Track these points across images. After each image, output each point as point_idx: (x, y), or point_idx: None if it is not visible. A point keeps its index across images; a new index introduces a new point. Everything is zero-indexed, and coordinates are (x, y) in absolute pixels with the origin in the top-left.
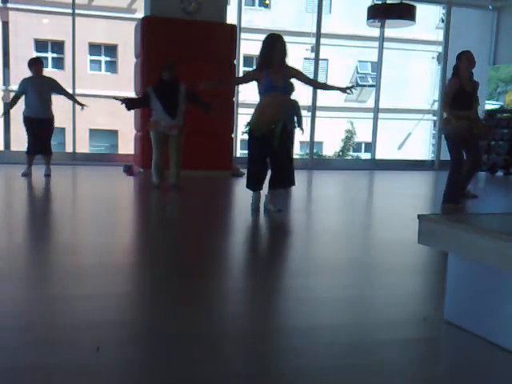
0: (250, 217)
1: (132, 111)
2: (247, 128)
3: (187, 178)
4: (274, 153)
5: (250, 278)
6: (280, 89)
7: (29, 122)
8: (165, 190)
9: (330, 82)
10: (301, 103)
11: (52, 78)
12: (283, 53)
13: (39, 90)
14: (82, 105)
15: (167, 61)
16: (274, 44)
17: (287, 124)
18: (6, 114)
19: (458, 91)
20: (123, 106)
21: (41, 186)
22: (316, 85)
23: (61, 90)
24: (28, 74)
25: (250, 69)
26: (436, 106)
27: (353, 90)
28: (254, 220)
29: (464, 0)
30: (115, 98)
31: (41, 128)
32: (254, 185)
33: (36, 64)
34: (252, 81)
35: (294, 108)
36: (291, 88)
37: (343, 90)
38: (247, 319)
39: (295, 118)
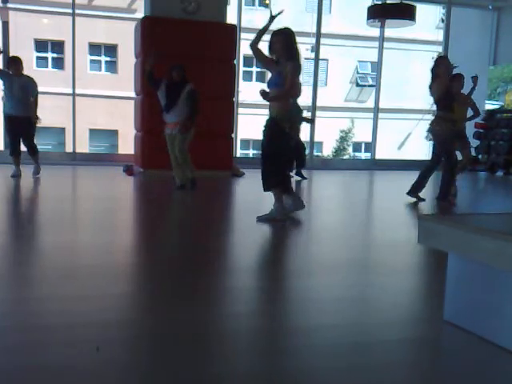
0: (249, 217)
1: (132, 111)
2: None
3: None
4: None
5: (249, 278)
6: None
7: (10, 120)
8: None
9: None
10: (301, 103)
11: (31, 78)
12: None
13: (17, 87)
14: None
15: (177, 63)
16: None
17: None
18: None
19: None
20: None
21: (41, 186)
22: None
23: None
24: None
25: (251, 69)
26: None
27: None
28: (253, 220)
29: (464, 0)
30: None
31: (20, 126)
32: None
33: (17, 63)
34: None
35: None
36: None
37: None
38: (248, 319)
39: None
